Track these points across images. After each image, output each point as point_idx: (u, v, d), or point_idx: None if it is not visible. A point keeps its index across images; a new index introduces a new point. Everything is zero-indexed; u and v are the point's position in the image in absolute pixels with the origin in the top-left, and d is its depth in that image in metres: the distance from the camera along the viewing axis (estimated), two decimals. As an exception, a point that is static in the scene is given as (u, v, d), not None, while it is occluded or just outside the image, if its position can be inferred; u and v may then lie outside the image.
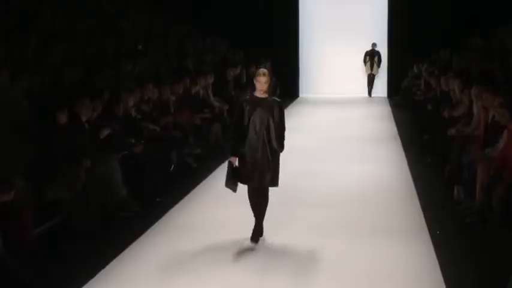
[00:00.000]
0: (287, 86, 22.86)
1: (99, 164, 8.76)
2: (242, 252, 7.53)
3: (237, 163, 7.76)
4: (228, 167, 7.77)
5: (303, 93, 24.54)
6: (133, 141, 10.06)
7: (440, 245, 7.72)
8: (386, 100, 22.57)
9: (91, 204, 8.31)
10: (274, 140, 7.73)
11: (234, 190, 7.80)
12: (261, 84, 7.70)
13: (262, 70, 7.77)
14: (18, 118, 8.51)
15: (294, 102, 22.64)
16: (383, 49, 23.73)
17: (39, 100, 9.22)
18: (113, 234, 8.24)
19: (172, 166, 11.15)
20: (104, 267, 7.12)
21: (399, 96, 21.03)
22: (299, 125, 17.54)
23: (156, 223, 8.71)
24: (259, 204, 7.82)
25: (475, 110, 10.60)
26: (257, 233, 7.84)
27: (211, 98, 15.12)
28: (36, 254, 7.19)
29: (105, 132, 9.35)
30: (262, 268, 7.07)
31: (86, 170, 8.40)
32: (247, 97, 7.91)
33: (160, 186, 10.11)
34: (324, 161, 12.62)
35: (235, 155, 7.74)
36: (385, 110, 20.39)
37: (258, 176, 7.68)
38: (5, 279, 6.37)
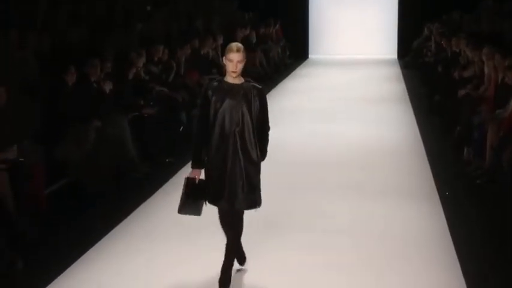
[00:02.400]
0: (296, 47, 22.76)
1: (109, 125, 8.77)
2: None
3: (201, 177, 5.63)
4: (184, 186, 5.61)
5: (312, 54, 24.39)
6: (142, 102, 10.07)
7: (449, 205, 7.73)
8: (397, 61, 22.43)
9: (101, 164, 8.33)
10: (251, 144, 5.55)
11: (198, 213, 5.68)
12: (233, 64, 5.43)
13: (236, 45, 5.51)
14: (27, 78, 8.53)
15: (303, 64, 22.52)
16: (393, 10, 23.51)
17: (48, 61, 9.22)
18: (123, 195, 8.26)
19: (182, 127, 11.15)
20: (113, 227, 7.16)
21: (409, 58, 20.87)
22: (308, 86, 17.52)
23: (166, 184, 8.73)
24: (229, 231, 5.68)
25: (485, 71, 10.53)
26: (226, 275, 5.61)
27: (220, 59, 15.06)
28: (47, 213, 7.24)
29: (108, 87, 9.31)
30: (271, 223, 7.10)
31: (95, 130, 8.42)
32: (215, 82, 5.59)
33: (169, 147, 10.12)
34: (333, 122, 12.59)
35: (197, 167, 5.58)
36: (395, 71, 20.27)
37: (228, 194, 5.51)
38: (15, 238, 6.42)
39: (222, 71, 14.32)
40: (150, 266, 6.16)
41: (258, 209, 5.67)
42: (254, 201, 5.61)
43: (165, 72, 11.83)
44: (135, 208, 7.71)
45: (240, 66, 5.46)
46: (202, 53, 14.08)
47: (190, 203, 5.60)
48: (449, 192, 8.19)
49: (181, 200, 5.61)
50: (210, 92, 5.50)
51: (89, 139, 8.31)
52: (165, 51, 12.13)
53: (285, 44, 21.86)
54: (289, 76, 19.42)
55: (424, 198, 8.07)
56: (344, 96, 15.55)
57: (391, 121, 12.74)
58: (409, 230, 7.04)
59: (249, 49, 17.45)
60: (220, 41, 15.29)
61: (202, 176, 5.60)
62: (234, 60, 5.43)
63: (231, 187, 5.49)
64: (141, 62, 10.81)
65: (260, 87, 5.62)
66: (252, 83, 5.57)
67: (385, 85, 17.49)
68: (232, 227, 5.65)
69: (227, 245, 5.64)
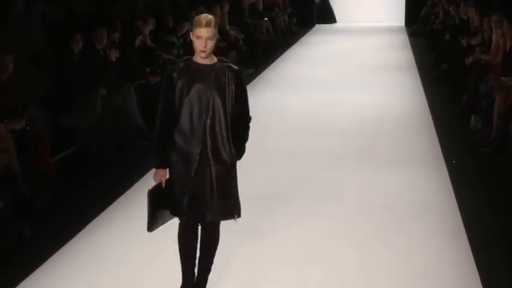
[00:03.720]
0: (303, 15, 22.62)
1: (115, 93, 8.76)
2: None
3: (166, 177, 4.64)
4: (149, 201, 4.55)
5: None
6: (148, 70, 10.05)
7: (456, 173, 7.72)
8: (404, 29, 22.29)
9: (107, 132, 8.34)
10: (223, 140, 4.53)
11: (170, 218, 4.72)
12: (202, 41, 4.43)
13: (205, 17, 4.48)
14: (33, 47, 8.51)
15: (310, 31, 22.40)
16: (401, -23, 23.35)
17: (55, 29, 9.19)
18: (129, 162, 8.28)
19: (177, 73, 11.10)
20: (121, 194, 7.19)
21: (417, 25, 20.74)
22: (315, 54, 17.45)
23: (172, 152, 8.73)
24: (201, 248, 4.76)
25: (493, 38, 10.45)
26: None
27: (227, 27, 14.99)
28: (55, 181, 7.26)
29: (114, 55, 9.28)
30: (281, 197, 7.11)
31: (102, 98, 8.42)
32: (181, 63, 4.61)
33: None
34: (340, 90, 12.55)
35: (162, 166, 4.60)
36: (403, 39, 20.16)
37: (194, 204, 4.53)
38: (23, 206, 6.46)
39: (228, 38, 14.33)
40: (157, 233, 6.18)
41: (237, 220, 4.66)
42: (230, 209, 4.61)
43: (171, 40, 11.78)
44: (142, 175, 7.72)
45: (211, 44, 4.44)
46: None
47: (160, 214, 4.61)
48: (456, 160, 8.18)
49: (149, 216, 4.57)
50: (174, 75, 4.51)
51: (96, 107, 8.31)
52: (171, 18, 12.06)
53: (291, 11, 21.74)
54: (296, 44, 19.33)
55: (431, 166, 8.07)
56: (351, 65, 15.49)
57: (398, 89, 12.70)
58: (415, 198, 7.05)
59: (255, 16, 17.58)
60: (227, 8, 15.20)
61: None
62: (203, 37, 4.41)
63: (197, 194, 4.50)
64: (148, 29, 10.77)
65: (237, 68, 4.58)
66: (227, 63, 4.57)
67: (393, 53, 17.40)
68: (204, 244, 4.72)
69: (194, 265, 4.75)
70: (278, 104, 11.40)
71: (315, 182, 7.57)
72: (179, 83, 4.50)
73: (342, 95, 12.16)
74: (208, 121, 4.47)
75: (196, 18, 4.50)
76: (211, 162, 4.50)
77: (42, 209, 6.63)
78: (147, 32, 10.70)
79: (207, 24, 4.42)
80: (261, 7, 18.66)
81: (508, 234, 6.15)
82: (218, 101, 4.49)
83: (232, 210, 4.61)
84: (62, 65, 8.46)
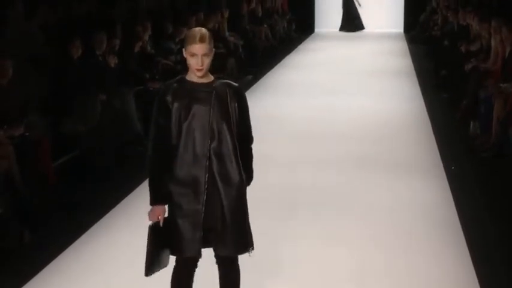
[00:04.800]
0: (302, 21, 22.65)
1: (114, 99, 8.76)
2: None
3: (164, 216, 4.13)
4: (150, 239, 4.13)
5: (318, 27, 24.26)
6: (148, 76, 10.06)
7: (455, 179, 7.72)
8: (403, 35, 22.32)
9: (106, 138, 8.34)
10: (232, 164, 4.10)
11: (166, 263, 4.21)
12: (198, 59, 3.98)
13: (200, 31, 4.01)
14: (33, 52, 8.52)
15: (309, 37, 22.43)
16: (400, -17, 23.40)
17: (54, 32, 9.21)
18: (129, 167, 8.28)
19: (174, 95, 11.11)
20: (120, 201, 7.18)
21: (416, 32, 20.77)
22: (314, 60, 17.46)
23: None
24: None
25: (492, 44, 10.47)
26: None
27: (226, 33, 15.01)
28: (55, 187, 7.26)
29: (113, 60, 9.29)
30: (281, 203, 7.11)
31: (101, 104, 8.42)
32: (174, 84, 4.09)
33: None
34: (339, 97, 12.56)
35: (160, 202, 4.12)
36: (402, 45, 20.19)
37: (206, 238, 4.08)
38: (23, 212, 6.45)
39: (227, 44, 14.34)
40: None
41: (251, 253, 4.21)
42: (245, 241, 4.16)
43: (171, 46, 11.79)
44: (143, 181, 7.71)
45: (208, 61, 3.99)
46: (208, 27, 14.02)
47: (159, 255, 4.14)
48: (455, 166, 8.18)
49: (148, 258, 4.12)
50: (169, 98, 4.01)
51: (95, 112, 8.31)
52: (170, 24, 12.08)
53: (291, 17, 21.78)
54: (295, 50, 19.35)
55: (430, 172, 8.07)
56: (350, 71, 15.51)
57: (398, 95, 12.71)
58: (414, 204, 7.05)
59: (254, 22, 17.58)
60: (226, 14, 15.23)
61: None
62: (198, 54, 3.96)
63: (209, 227, 4.06)
64: (147, 35, 10.78)
65: (237, 85, 4.19)
66: (225, 80, 4.15)
67: (392, 59, 17.42)
68: (226, 281, 4.23)
69: None
70: (277, 110, 11.40)
71: (315, 188, 7.57)
72: (175, 107, 4.00)
73: (341, 101, 12.17)
74: (214, 144, 4.02)
75: (189, 33, 4.04)
76: (221, 189, 4.04)
77: (42, 214, 6.62)
78: (146, 37, 10.71)
79: (202, 40, 3.96)
80: (260, 13, 18.68)
81: (508, 239, 6.15)
82: (223, 123, 4.03)
83: (247, 242, 4.15)
84: (62, 69, 8.46)
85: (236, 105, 4.09)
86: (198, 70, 4.00)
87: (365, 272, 5.51)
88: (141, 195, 7.34)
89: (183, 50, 4.06)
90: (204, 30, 4.05)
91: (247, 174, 4.21)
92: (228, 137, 4.06)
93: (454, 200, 7.07)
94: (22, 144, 6.90)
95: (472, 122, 9.59)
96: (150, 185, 4.15)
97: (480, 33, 11.71)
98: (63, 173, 7.70)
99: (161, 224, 4.09)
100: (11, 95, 7.12)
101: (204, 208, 4.03)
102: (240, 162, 4.11)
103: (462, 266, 5.58)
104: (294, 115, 11.00)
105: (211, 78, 4.11)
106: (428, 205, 7.02)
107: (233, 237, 4.09)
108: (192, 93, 4.03)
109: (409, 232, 6.31)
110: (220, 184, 4.05)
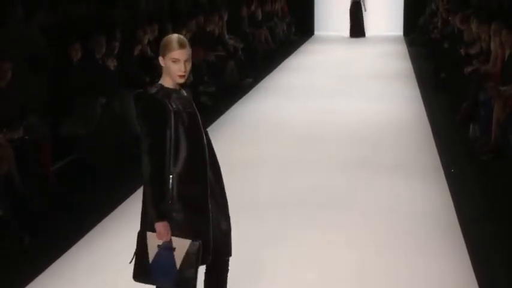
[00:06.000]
0: (302, 24, 22.68)
1: (114, 102, 8.77)
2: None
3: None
4: (140, 247, 4.06)
5: (318, 30, 24.28)
6: (147, 79, 10.06)
7: (454, 182, 7.72)
8: (402, 38, 22.34)
9: (106, 141, 8.34)
10: (216, 157, 4.14)
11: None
12: (181, 65, 3.90)
13: (178, 38, 3.93)
14: (33, 54, 8.53)
15: (309, 40, 22.45)
16: (400, -14, 23.42)
17: (54, 34, 9.22)
18: (128, 172, 8.27)
19: (178, 106, 11.12)
20: (120, 203, 7.18)
21: (415, 34, 20.79)
22: (314, 63, 17.48)
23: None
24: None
25: (492, 46, 10.48)
26: None
27: (226, 36, 15.02)
28: (54, 189, 7.27)
29: (113, 63, 9.30)
30: (281, 205, 7.12)
31: (101, 106, 8.43)
32: (162, 91, 3.95)
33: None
34: (339, 99, 12.57)
35: (163, 217, 3.92)
36: (401, 48, 20.20)
37: (224, 238, 4.14)
38: (22, 215, 6.46)
39: (227, 47, 14.35)
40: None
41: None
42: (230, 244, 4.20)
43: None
44: (140, 185, 7.69)
45: (189, 68, 3.93)
46: (208, 30, 14.04)
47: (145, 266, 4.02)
48: (454, 169, 8.19)
49: (136, 265, 4.08)
50: (173, 105, 3.92)
51: (95, 115, 8.32)
52: (170, 27, 12.09)
53: (290, 20, 21.80)
54: (295, 53, 19.37)
55: (429, 174, 8.07)
56: (350, 73, 15.51)
57: (397, 98, 12.71)
58: (414, 206, 7.05)
59: (254, 26, 17.59)
60: (226, 17, 15.24)
61: None
62: (180, 60, 3.88)
63: (223, 229, 4.13)
64: (147, 38, 10.79)
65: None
66: (185, 88, 4.08)
67: (391, 62, 17.44)
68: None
69: None
70: (277, 112, 11.41)
71: (314, 190, 7.57)
72: (173, 114, 3.91)
73: (340, 103, 12.18)
74: (208, 152, 4.03)
75: (166, 40, 3.93)
76: (220, 185, 4.11)
77: (41, 216, 6.62)
78: (146, 41, 10.73)
79: (182, 45, 3.88)
80: (260, 16, 18.70)
81: (507, 241, 6.15)
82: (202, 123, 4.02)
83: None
84: (62, 72, 8.47)
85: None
86: (181, 76, 3.91)
87: (365, 273, 5.51)
88: (141, 198, 7.36)
89: (160, 58, 3.95)
90: (181, 37, 3.96)
91: None
92: (211, 144, 4.10)
93: (454, 202, 7.07)
94: (22, 146, 6.91)
95: (471, 125, 9.59)
96: (156, 201, 3.95)
97: (479, 36, 11.72)
98: (62, 175, 7.72)
99: (168, 239, 3.92)
100: (10, 98, 7.13)
101: (216, 209, 4.07)
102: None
103: (462, 267, 5.58)
104: (294, 118, 11.01)
105: (177, 85, 4.01)
106: (428, 207, 7.03)
107: (229, 238, 4.20)
108: (178, 99, 3.95)
109: (409, 233, 6.31)
110: (219, 181, 4.11)
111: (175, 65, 3.89)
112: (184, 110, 3.94)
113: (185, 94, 4.02)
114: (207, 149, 4.02)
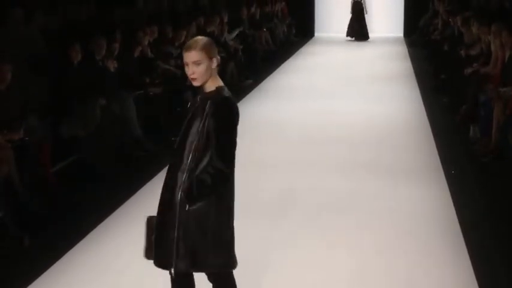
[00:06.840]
0: (302, 25, 22.68)
1: (114, 103, 8.77)
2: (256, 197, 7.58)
3: None
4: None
5: (318, 32, 24.27)
6: (148, 80, 10.07)
7: (455, 183, 7.72)
8: (403, 40, 22.34)
9: (106, 142, 8.34)
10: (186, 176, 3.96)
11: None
12: (187, 68, 3.91)
13: (194, 39, 3.95)
14: (33, 56, 8.53)
15: (309, 42, 22.45)
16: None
17: (54, 36, 9.22)
18: (128, 173, 8.28)
19: (189, 104, 11.12)
20: (119, 205, 7.18)
21: (416, 36, 20.80)
22: (314, 64, 17.48)
23: (172, 162, 8.73)
24: None
25: (492, 48, 10.48)
26: None
27: (228, 36, 15.02)
28: (54, 191, 7.27)
29: (113, 65, 9.30)
30: (281, 208, 7.11)
31: (101, 108, 8.43)
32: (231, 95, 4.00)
33: (175, 126, 10.10)
34: (339, 100, 12.57)
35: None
36: (402, 49, 20.21)
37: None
38: (22, 216, 6.46)
39: (227, 49, 14.35)
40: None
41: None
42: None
43: (171, 51, 11.81)
44: (141, 187, 7.72)
45: (200, 70, 3.85)
46: (208, 31, 14.03)
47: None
48: (455, 171, 8.18)
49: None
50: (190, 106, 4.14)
51: (95, 117, 8.32)
52: (170, 28, 12.10)
53: (291, 21, 21.80)
54: (295, 54, 19.37)
55: (429, 175, 8.07)
56: (350, 75, 15.51)
57: (398, 99, 12.72)
58: (414, 207, 7.05)
59: (255, 27, 17.59)
60: (226, 19, 15.25)
61: None
62: (188, 62, 3.87)
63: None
64: (147, 40, 10.79)
65: (220, 100, 3.91)
66: (219, 93, 3.93)
67: (392, 63, 17.44)
68: None
69: None
70: (277, 114, 11.41)
71: (315, 191, 7.57)
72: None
73: (341, 104, 12.18)
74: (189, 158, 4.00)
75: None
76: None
77: (41, 218, 6.62)
78: (146, 42, 10.72)
79: (190, 48, 3.85)
80: (259, 18, 18.70)
81: (507, 241, 6.16)
82: (196, 138, 3.95)
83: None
84: (62, 73, 8.47)
85: (212, 120, 3.86)
86: (192, 79, 3.90)
87: (365, 273, 5.51)
88: (141, 199, 7.37)
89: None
90: (198, 38, 3.96)
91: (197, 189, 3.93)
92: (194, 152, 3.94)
93: (454, 203, 7.08)
94: (22, 148, 6.91)
95: (471, 126, 9.59)
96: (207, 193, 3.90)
97: (480, 38, 11.72)
98: (62, 177, 7.72)
99: None
100: (10, 99, 7.13)
101: None
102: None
103: (462, 267, 5.59)
104: (294, 119, 11.01)
105: (212, 88, 3.95)
106: (428, 207, 7.03)
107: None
108: (196, 106, 4.00)
109: (409, 234, 6.31)
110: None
111: (186, 68, 3.93)
112: (192, 115, 4.04)
113: (203, 100, 3.99)
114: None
